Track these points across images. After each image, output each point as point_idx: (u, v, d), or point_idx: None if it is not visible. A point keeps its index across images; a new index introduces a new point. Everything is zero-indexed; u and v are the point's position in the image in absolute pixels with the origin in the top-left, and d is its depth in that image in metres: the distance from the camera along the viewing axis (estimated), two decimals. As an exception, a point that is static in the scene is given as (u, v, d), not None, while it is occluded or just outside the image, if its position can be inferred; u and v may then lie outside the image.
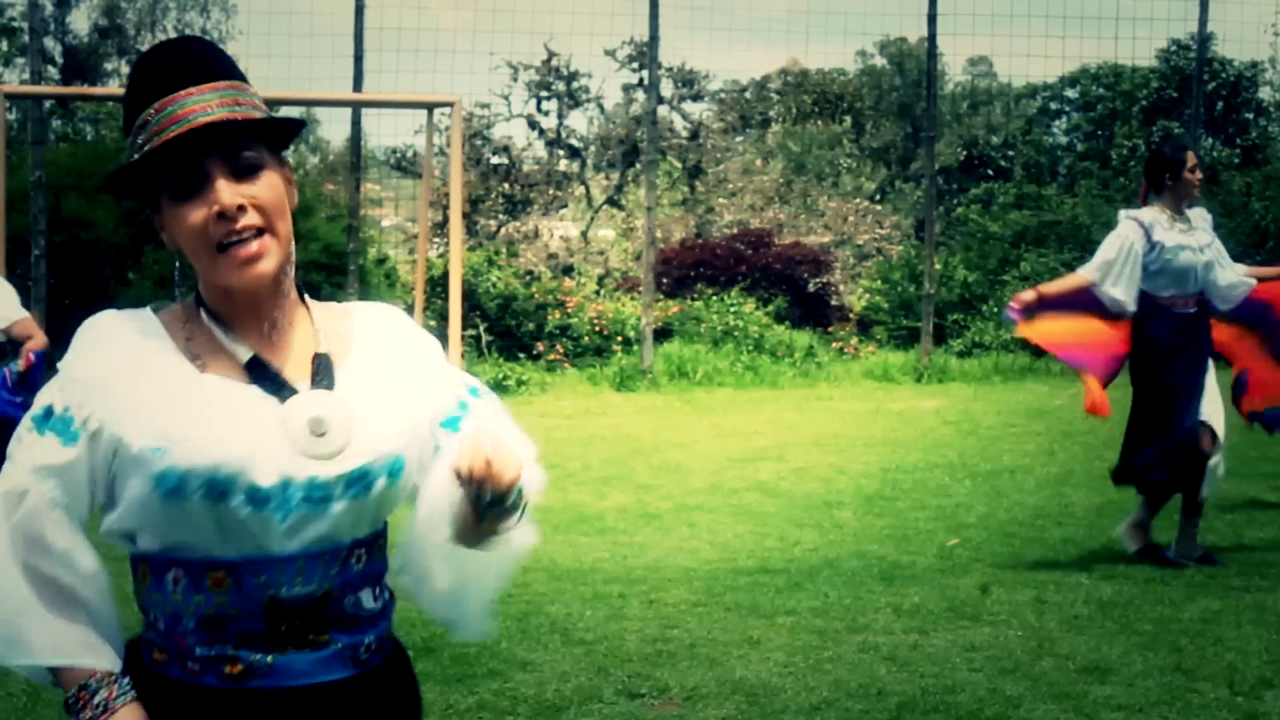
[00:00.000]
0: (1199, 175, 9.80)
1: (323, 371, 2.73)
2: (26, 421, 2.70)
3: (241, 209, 2.64)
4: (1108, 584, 9.20)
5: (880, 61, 46.98)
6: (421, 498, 2.81)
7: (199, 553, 2.63)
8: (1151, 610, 8.54)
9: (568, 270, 26.00)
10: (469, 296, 20.17)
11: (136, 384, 2.65)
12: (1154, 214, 9.74)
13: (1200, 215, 9.91)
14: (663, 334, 21.91)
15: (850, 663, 7.49)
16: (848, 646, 7.78)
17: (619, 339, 21.99)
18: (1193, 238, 9.68)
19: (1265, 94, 35.22)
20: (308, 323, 2.80)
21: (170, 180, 2.67)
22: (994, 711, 6.77)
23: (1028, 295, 9.90)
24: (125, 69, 38.67)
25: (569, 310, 22.39)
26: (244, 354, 2.70)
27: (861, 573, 9.49)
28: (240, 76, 2.76)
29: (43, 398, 2.71)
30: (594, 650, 7.65)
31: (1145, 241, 9.64)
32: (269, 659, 2.65)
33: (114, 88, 34.09)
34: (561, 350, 21.77)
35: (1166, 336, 9.67)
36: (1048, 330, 9.92)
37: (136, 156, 2.69)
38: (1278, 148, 30.70)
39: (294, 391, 2.68)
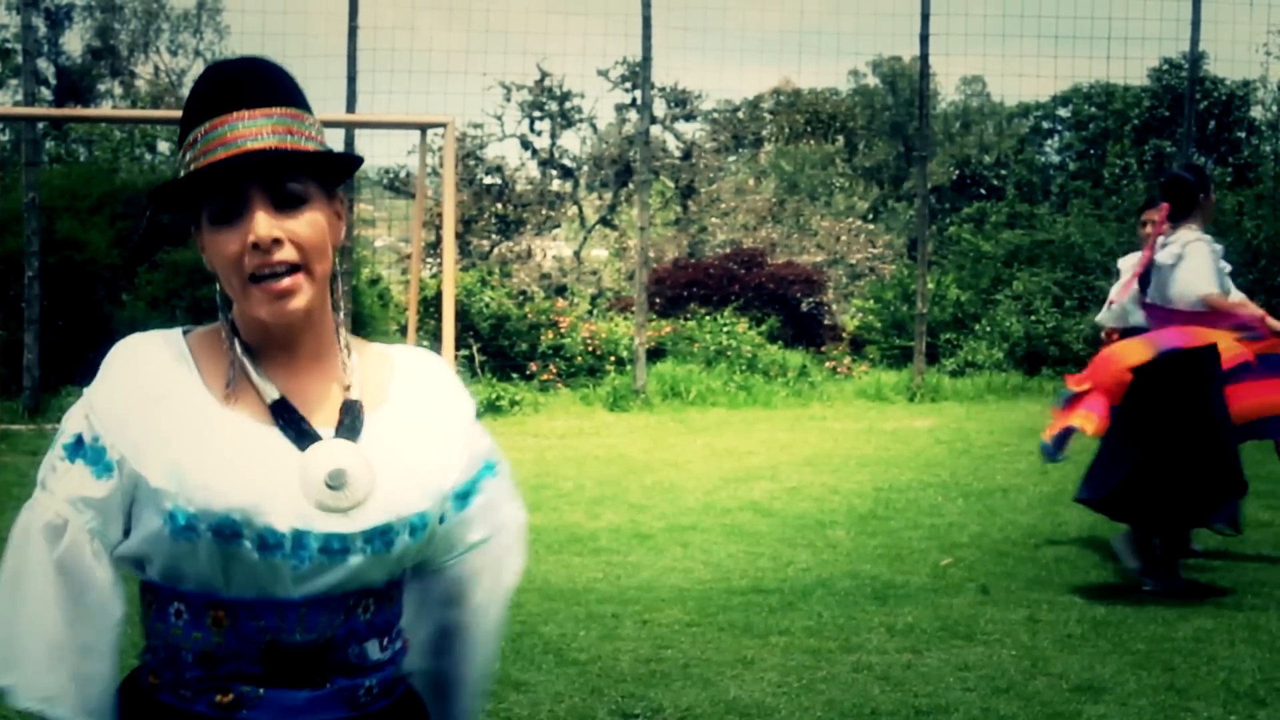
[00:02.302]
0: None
1: (350, 420, 2.66)
2: (57, 449, 2.65)
3: (277, 242, 2.57)
4: (1101, 603, 9.21)
5: (873, 81, 47.03)
6: (421, 584, 2.89)
7: (203, 589, 2.59)
8: (1145, 629, 8.56)
9: (561, 290, 26.02)
10: (462, 317, 20.18)
11: (157, 417, 2.60)
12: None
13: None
14: (656, 354, 21.90)
15: (844, 682, 7.50)
16: (841, 666, 7.79)
17: (612, 359, 21.99)
18: None
19: (1257, 113, 35.26)
20: (342, 365, 2.74)
21: (211, 203, 2.60)
22: (987, 731, 6.79)
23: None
24: (118, 90, 38.71)
25: (562, 330, 22.38)
26: (271, 393, 2.65)
27: (855, 592, 9.49)
28: (302, 103, 2.69)
29: (71, 424, 2.66)
30: (588, 670, 7.65)
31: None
32: (260, 691, 2.60)
33: (107, 109, 34.14)
34: (554, 370, 21.77)
35: None
36: None
37: (183, 174, 2.63)
38: (1269, 166, 30.72)
39: (316, 438, 2.62)
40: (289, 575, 2.56)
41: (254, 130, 2.60)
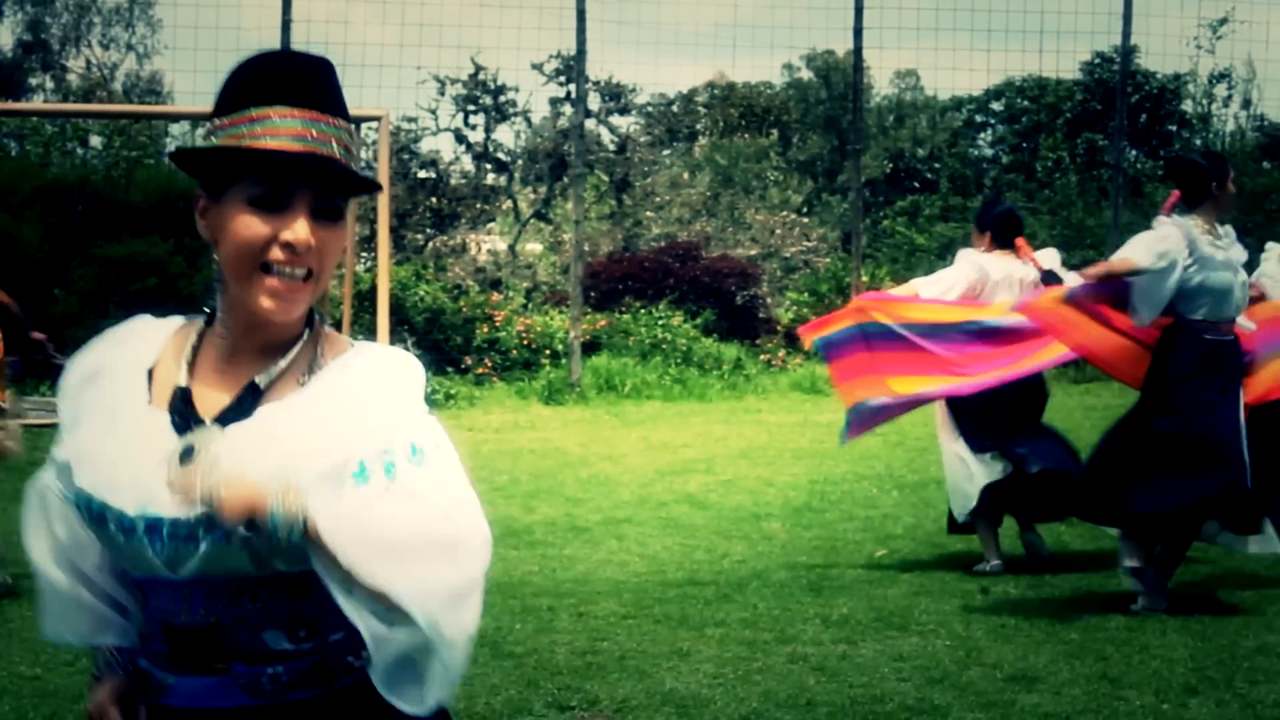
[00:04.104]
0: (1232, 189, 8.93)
1: (241, 403, 2.62)
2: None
3: (309, 249, 2.57)
4: (1034, 593, 9.27)
5: (807, 75, 47.04)
6: None
7: (125, 569, 2.69)
8: (1078, 619, 8.60)
9: (496, 284, 25.96)
10: (397, 311, 20.12)
11: (91, 396, 2.67)
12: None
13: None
14: (591, 347, 21.91)
15: (779, 673, 7.51)
16: (777, 657, 7.81)
17: (547, 352, 21.98)
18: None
19: (1188, 106, 35.48)
20: (286, 352, 2.67)
21: (252, 185, 2.58)
22: (922, 721, 6.81)
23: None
24: (50, 84, 38.42)
25: (497, 324, 22.37)
26: (180, 381, 2.65)
27: (790, 584, 9.52)
28: (350, 119, 2.70)
29: None
30: (523, 663, 7.65)
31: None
32: (170, 679, 2.65)
33: (38, 103, 33.85)
34: (490, 364, 21.74)
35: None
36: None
37: (237, 144, 2.58)
38: (1200, 159, 30.95)
39: (198, 424, 2.59)
40: (157, 558, 2.58)
41: (325, 136, 2.61)
